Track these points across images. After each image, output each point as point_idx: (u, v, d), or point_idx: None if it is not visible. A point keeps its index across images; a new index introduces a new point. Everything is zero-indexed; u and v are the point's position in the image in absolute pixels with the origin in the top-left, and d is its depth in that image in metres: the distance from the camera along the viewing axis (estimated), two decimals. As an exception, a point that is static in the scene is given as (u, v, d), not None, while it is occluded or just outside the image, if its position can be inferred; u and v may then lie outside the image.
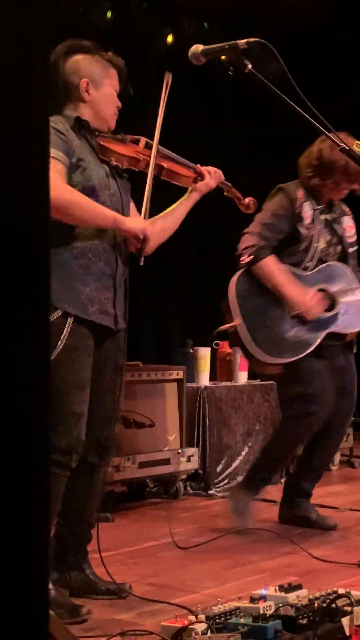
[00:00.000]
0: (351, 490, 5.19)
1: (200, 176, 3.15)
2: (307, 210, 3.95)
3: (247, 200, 3.39)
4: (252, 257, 3.86)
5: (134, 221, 2.90)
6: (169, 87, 3.01)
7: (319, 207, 4.00)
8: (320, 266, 4.01)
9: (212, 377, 5.37)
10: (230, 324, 3.88)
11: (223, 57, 2.80)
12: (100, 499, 3.12)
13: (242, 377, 5.50)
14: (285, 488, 4.26)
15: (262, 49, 2.54)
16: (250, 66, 2.58)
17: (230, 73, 6.59)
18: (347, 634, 2.21)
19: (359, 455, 6.31)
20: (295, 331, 3.89)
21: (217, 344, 5.50)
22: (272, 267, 3.89)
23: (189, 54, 2.70)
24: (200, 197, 3.18)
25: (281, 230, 3.93)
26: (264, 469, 4.12)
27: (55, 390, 2.75)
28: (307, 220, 3.95)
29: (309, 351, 3.89)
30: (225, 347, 5.51)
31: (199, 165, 3.18)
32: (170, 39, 6.43)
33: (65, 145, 2.80)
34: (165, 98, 3.01)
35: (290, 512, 4.10)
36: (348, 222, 4.12)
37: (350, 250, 4.12)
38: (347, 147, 2.52)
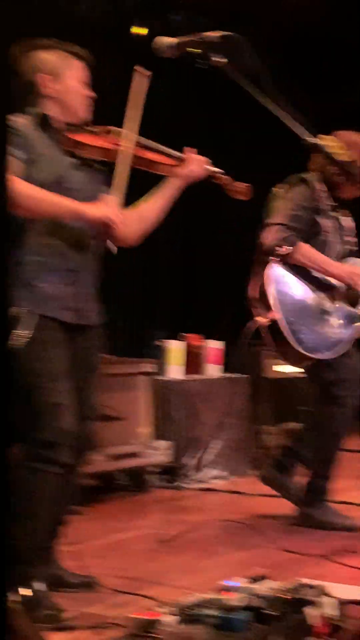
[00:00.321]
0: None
1: (184, 163, 3.06)
2: (326, 205, 3.94)
3: (238, 185, 3.17)
4: (291, 247, 3.78)
5: (97, 208, 2.86)
6: (147, 77, 2.95)
7: (333, 204, 4.01)
8: (347, 259, 4.03)
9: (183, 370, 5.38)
10: (267, 318, 3.79)
11: (198, 51, 2.77)
12: (74, 498, 3.11)
13: (213, 370, 5.52)
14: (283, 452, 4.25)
15: (237, 43, 2.53)
16: (225, 60, 2.57)
17: (202, 67, 6.58)
18: (313, 624, 2.23)
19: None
20: (331, 325, 3.90)
21: (187, 337, 5.50)
22: (312, 250, 3.87)
23: (160, 46, 2.69)
24: (185, 184, 3.08)
25: (306, 221, 3.89)
26: (322, 472, 4.02)
27: (30, 385, 2.76)
28: (325, 213, 3.95)
29: (346, 348, 3.90)
30: (195, 340, 5.52)
31: (186, 150, 3.09)
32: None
33: (21, 142, 2.80)
34: (142, 87, 2.94)
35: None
36: (349, 223, 4.14)
37: (352, 249, 4.14)
38: (313, 141, 2.53)
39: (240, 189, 3.16)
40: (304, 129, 2.53)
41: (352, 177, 2.85)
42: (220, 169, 3.14)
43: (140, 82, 2.96)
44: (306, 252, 3.85)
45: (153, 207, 3.07)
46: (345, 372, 3.94)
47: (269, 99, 2.46)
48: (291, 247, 3.78)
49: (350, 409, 3.97)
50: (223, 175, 3.14)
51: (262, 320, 3.75)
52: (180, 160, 3.08)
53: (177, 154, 3.09)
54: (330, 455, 4.00)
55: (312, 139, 2.54)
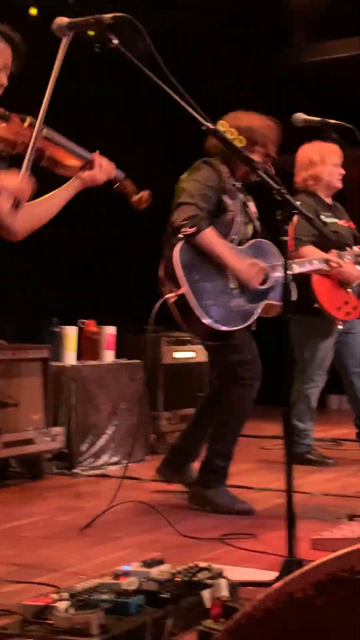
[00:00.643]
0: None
1: (90, 166, 2.94)
2: (230, 185, 3.99)
3: (139, 196, 3.10)
4: (195, 228, 3.82)
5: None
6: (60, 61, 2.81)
7: (236, 184, 4.06)
8: (252, 241, 4.08)
9: (79, 356, 5.34)
10: (174, 293, 3.81)
11: (91, 32, 2.72)
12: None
13: (108, 356, 5.50)
14: (172, 447, 4.34)
15: (129, 25, 2.52)
16: (116, 42, 2.56)
17: (97, 50, 6.55)
18: (208, 606, 2.24)
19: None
20: (237, 301, 3.93)
21: (83, 323, 5.47)
22: (214, 238, 3.90)
23: (53, 26, 2.64)
24: (83, 188, 2.96)
25: (213, 201, 3.94)
26: (222, 454, 4.03)
27: None
28: (231, 193, 3.99)
29: (252, 320, 3.96)
30: (91, 326, 5.49)
31: (95, 155, 2.96)
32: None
33: None
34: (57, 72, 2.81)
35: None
36: (253, 208, 4.19)
37: (258, 230, 4.18)
38: (212, 127, 2.54)
39: (141, 200, 3.10)
40: (202, 114, 2.53)
41: (245, 161, 2.88)
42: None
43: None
44: (209, 240, 3.87)
45: (46, 204, 2.93)
46: (250, 354, 3.99)
47: (166, 84, 2.44)
48: (194, 228, 3.81)
49: (253, 391, 4.01)
50: (128, 184, 3.08)
51: (170, 296, 3.78)
52: (87, 162, 2.94)
53: (86, 154, 2.95)
54: (231, 437, 4.04)
55: (210, 125, 2.54)
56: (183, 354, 5.95)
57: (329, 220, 5.10)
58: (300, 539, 2.69)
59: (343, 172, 5.19)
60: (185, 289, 3.80)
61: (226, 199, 3.98)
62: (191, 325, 3.87)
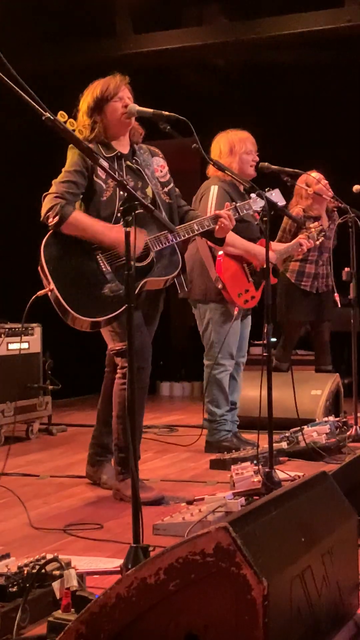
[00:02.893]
0: (51, 458, 5.26)
1: None
2: (101, 161, 3.87)
3: None
4: (57, 216, 3.73)
5: None
6: None
7: (113, 154, 3.96)
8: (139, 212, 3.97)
9: None
10: (45, 290, 3.73)
11: None
12: None
13: None
14: (89, 447, 4.32)
15: None
16: None
17: None
18: (58, 597, 2.25)
19: (57, 423, 6.41)
20: (111, 286, 3.82)
21: None
22: (82, 218, 3.81)
23: None
24: None
25: (79, 184, 3.85)
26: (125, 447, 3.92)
27: None
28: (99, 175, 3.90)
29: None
30: None
31: None
32: None
33: None
34: None
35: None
36: (159, 162, 4.13)
37: (165, 189, 4.10)
38: (52, 117, 2.52)
39: None
40: (41, 105, 2.52)
41: (87, 152, 2.87)
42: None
43: None
44: (75, 223, 3.78)
45: None
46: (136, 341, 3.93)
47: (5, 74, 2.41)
48: (57, 217, 3.74)
49: (143, 382, 3.92)
50: None
51: (40, 293, 3.72)
52: None
53: None
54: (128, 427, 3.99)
55: (49, 115, 2.53)
56: (17, 345, 5.88)
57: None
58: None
59: (256, 158, 5.17)
60: (52, 285, 3.73)
61: (97, 179, 3.89)
62: (68, 319, 3.79)
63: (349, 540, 2.34)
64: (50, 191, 3.85)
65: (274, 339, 5.09)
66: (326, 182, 6.25)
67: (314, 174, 6.29)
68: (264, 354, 3.96)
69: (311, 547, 2.06)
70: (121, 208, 2.74)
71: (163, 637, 1.87)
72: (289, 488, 2.22)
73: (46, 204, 3.81)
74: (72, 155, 3.92)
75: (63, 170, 3.91)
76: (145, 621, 1.89)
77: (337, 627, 2.17)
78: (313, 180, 6.20)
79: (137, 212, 2.74)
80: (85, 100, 3.99)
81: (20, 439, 5.94)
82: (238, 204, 4.49)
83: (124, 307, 3.80)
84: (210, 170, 5.23)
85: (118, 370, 4.00)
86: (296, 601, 1.94)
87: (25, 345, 6.00)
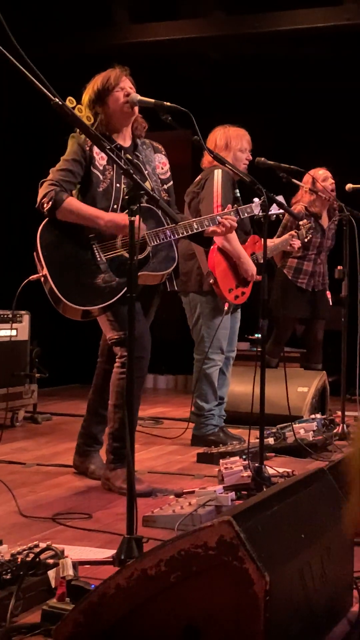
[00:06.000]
0: (36, 446, 5.24)
1: None
2: (100, 152, 3.85)
3: None
4: (51, 202, 3.73)
5: None
6: None
7: (112, 146, 3.91)
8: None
9: None
10: (37, 275, 3.73)
11: None
12: None
13: None
14: (78, 437, 4.30)
15: None
16: None
17: None
18: (54, 585, 2.24)
19: (42, 412, 6.39)
20: (104, 276, 3.80)
21: None
22: (76, 203, 3.80)
23: None
24: None
25: (76, 173, 3.84)
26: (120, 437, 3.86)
27: None
28: (102, 161, 3.88)
29: (120, 295, 3.77)
30: None
31: None
32: None
33: None
34: None
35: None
36: (161, 159, 4.12)
37: (165, 187, 4.09)
38: (60, 102, 2.51)
39: None
40: (51, 90, 2.50)
41: (94, 140, 2.86)
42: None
43: None
44: (70, 208, 3.77)
45: None
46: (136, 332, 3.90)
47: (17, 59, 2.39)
48: (51, 202, 3.74)
49: (141, 371, 3.87)
50: None
51: (32, 277, 3.69)
52: None
53: None
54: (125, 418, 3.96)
55: (58, 100, 2.51)
56: (5, 332, 5.85)
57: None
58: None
59: (249, 157, 5.17)
60: (45, 270, 3.73)
61: (94, 170, 3.88)
62: (60, 306, 3.78)
63: (345, 538, 2.35)
64: (45, 179, 3.85)
65: (258, 335, 5.12)
66: (332, 181, 6.25)
67: (321, 172, 6.30)
68: (258, 350, 3.94)
69: (311, 544, 2.06)
70: (126, 197, 2.73)
71: (162, 629, 1.87)
72: (289, 483, 2.22)
73: (42, 191, 3.82)
74: (72, 144, 3.92)
75: (61, 158, 3.91)
76: (145, 612, 1.89)
77: (332, 624, 2.17)
78: (319, 177, 6.20)
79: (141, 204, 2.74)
80: (87, 93, 3.98)
81: (5, 426, 5.91)
82: (239, 207, 4.50)
83: (115, 298, 3.85)
84: (205, 161, 5.23)
85: (117, 360, 3.96)
86: (295, 597, 1.94)
87: (13, 332, 5.97)
